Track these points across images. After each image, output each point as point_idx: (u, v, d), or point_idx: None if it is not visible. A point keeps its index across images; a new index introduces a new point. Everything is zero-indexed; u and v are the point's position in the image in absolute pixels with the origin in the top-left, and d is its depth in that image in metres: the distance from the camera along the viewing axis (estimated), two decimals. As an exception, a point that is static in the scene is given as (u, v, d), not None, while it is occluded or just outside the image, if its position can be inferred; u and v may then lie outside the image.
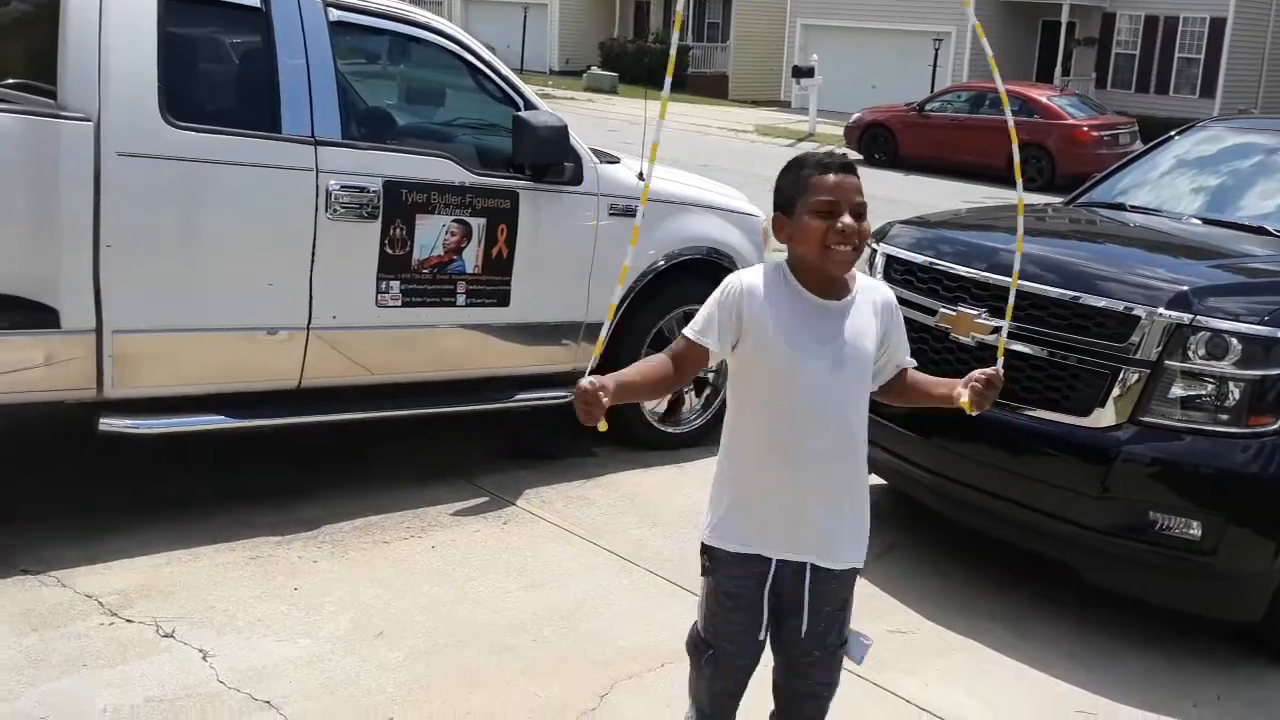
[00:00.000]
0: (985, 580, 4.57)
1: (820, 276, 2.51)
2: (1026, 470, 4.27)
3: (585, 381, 2.34)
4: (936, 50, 28.46)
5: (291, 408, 4.57)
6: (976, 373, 2.65)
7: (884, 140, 21.33)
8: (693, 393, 5.80)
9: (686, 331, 2.55)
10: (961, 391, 2.65)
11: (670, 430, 5.72)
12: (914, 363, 2.75)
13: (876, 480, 4.70)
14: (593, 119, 18.55)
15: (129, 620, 3.59)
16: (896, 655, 3.89)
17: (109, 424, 4.10)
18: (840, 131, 23.03)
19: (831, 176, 2.50)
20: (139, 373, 4.12)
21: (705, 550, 2.63)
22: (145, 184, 4.01)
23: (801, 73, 26.34)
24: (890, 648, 3.90)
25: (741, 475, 2.58)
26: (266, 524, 4.35)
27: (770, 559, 2.54)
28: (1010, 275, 2.95)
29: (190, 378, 4.28)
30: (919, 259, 4.73)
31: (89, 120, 3.90)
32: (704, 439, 5.58)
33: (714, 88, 35.68)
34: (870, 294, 2.59)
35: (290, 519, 4.42)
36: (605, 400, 2.32)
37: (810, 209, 2.47)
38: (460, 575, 4.16)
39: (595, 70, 33.98)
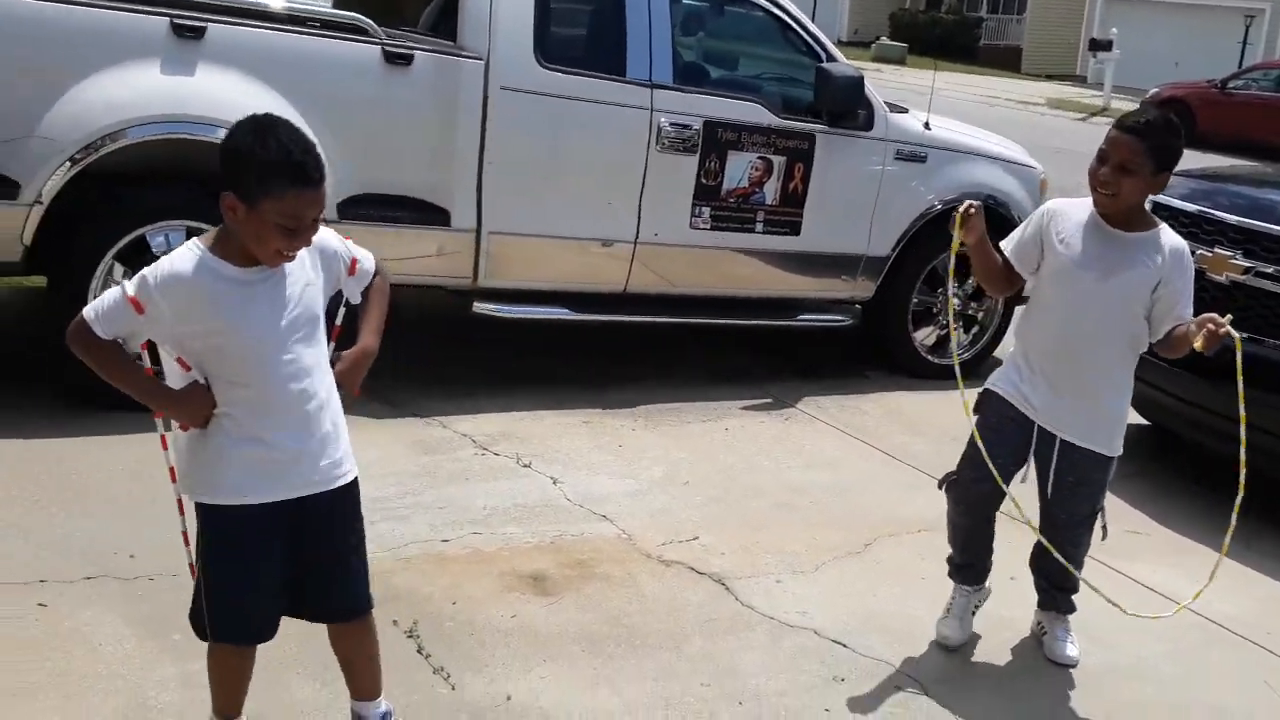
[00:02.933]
0: (1221, 501, 4.98)
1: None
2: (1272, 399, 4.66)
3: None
4: (1247, 27, 26.99)
5: (617, 308, 5.49)
6: (1206, 316, 2.97)
7: (1181, 117, 20.39)
8: (961, 329, 6.37)
9: None
10: (1195, 331, 2.98)
11: (938, 361, 6.31)
12: None
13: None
14: (881, 87, 18.84)
15: (495, 454, 4.60)
16: (1134, 550, 4.41)
17: (481, 308, 5.12)
18: (1136, 107, 22.38)
19: (1111, 131, 3.12)
20: (505, 267, 5.12)
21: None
22: (520, 113, 4.98)
23: (1099, 46, 25.65)
24: (1128, 544, 4.43)
25: None
26: (595, 399, 5.29)
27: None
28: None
29: (543, 275, 5.26)
30: (1185, 206, 5.15)
31: (481, 60, 4.90)
32: (969, 372, 6.15)
33: (1006, 60, 35.04)
34: None
35: (613, 397, 5.35)
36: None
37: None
38: (749, 451, 4.97)
39: (884, 40, 33.97)
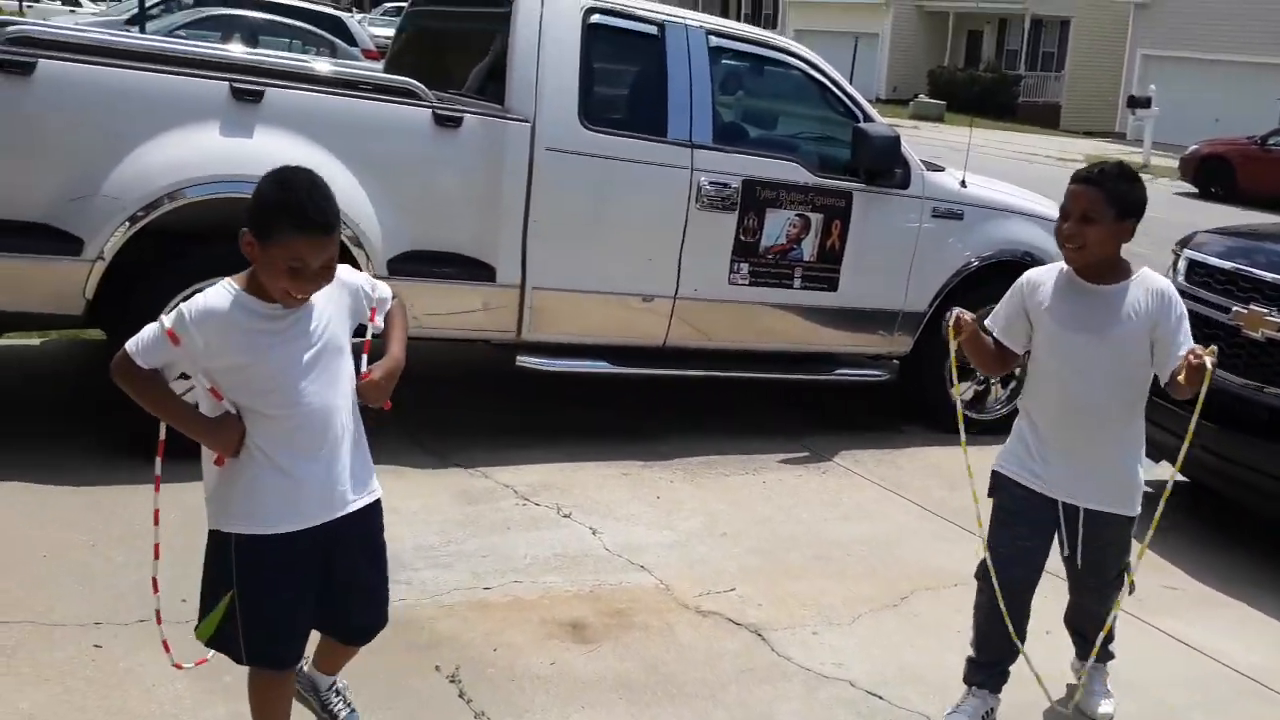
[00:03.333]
0: (1258, 556, 4.99)
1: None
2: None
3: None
4: (1289, 83, 26.96)
5: (656, 362, 5.60)
6: (1189, 349, 2.99)
7: (1222, 173, 20.63)
8: (999, 384, 6.41)
9: None
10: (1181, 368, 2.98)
11: (975, 416, 6.35)
12: None
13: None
14: (917, 144, 18.99)
15: (537, 504, 4.69)
16: (1167, 605, 4.43)
17: (524, 361, 5.24)
18: (1175, 164, 22.39)
19: (1069, 186, 3.16)
20: (548, 322, 5.24)
21: None
22: (564, 174, 5.13)
23: (1137, 103, 25.68)
24: (1162, 600, 4.45)
25: None
26: (634, 451, 5.39)
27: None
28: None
29: (584, 329, 5.37)
30: (1220, 264, 5.20)
31: (527, 122, 5.06)
32: (1007, 426, 6.18)
33: (1045, 117, 35.15)
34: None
35: (651, 450, 5.44)
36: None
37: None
38: (787, 504, 5.03)
39: (922, 98, 34.22)
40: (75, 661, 3.21)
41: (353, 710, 3.04)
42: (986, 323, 3.37)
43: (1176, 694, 3.82)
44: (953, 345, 3.23)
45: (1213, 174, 20.85)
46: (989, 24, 39.58)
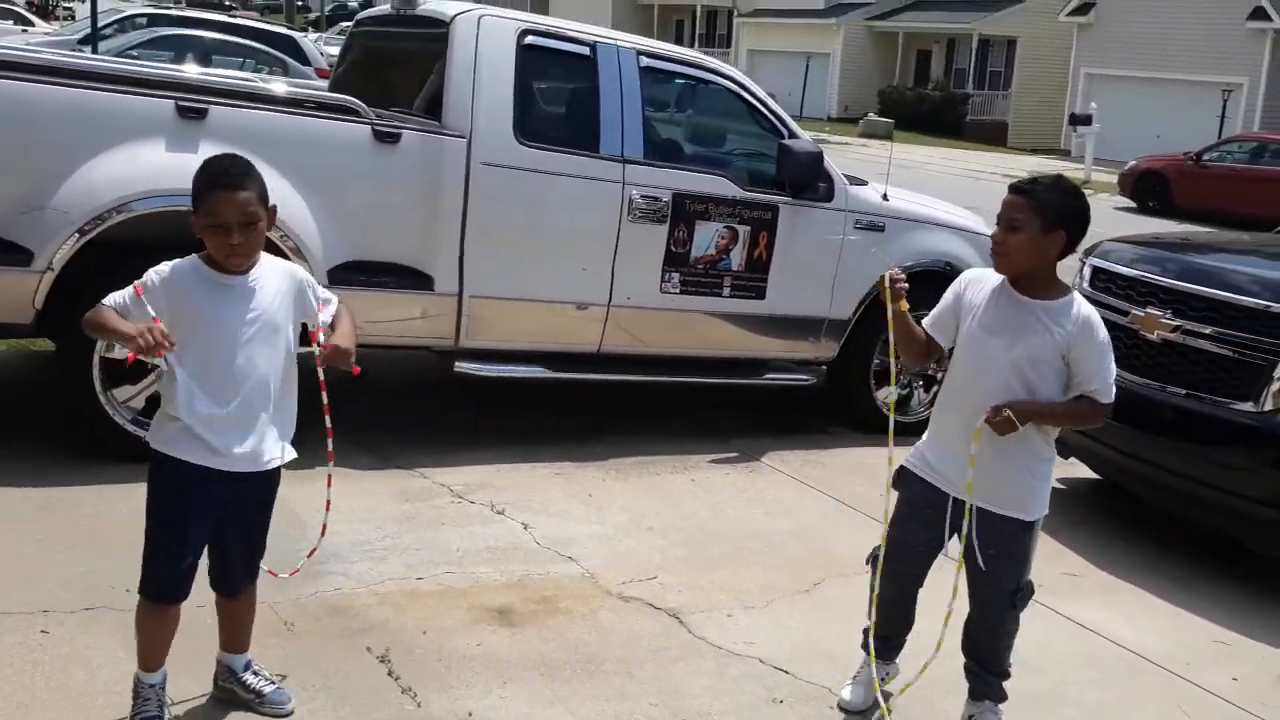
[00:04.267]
0: (1159, 547, 5.30)
1: None
2: (1203, 450, 4.99)
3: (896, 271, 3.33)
4: (1225, 101, 27.71)
5: (592, 367, 5.83)
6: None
7: (1159, 189, 21.21)
8: (922, 388, 6.70)
9: None
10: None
11: (898, 418, 6.60)
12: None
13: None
14: (865, 163, 19.49)
15: (472, 502, 4.90)
16: (1069, 591, 4.71)
17: (462, 367, 5.44)
18: (1115, 179, 22.97)
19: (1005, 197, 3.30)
20: (485, 329, 5.46)
21: None
22: (500, 187, 5.37)
23: (1079, 120, 26.32)
24: (1063, 586, 4.73)
25: None
26: (568, 452, 5.62)
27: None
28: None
29: (520, 336, 5.60)
30: (1121, 270, 5.51)
31: (464, 138, 5.29)
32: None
33: (992, 135, 35.80)
34: None
35: (586, 451, 5.67)
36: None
37: None
38: (713, 500, 5.28)
39: (871, 116, 34.77)
40: (23, 646, 3.39)
41: (277, 686, 3.25)
42: (925, 321, 3.44)
43: (1073, 672, 4.09)
44: (890, 308, 3.28)
45: (1150, 189, 21.43)
46: (938, 44, 40.28)
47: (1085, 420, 3.38)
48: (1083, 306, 3.28)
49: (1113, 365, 3.29)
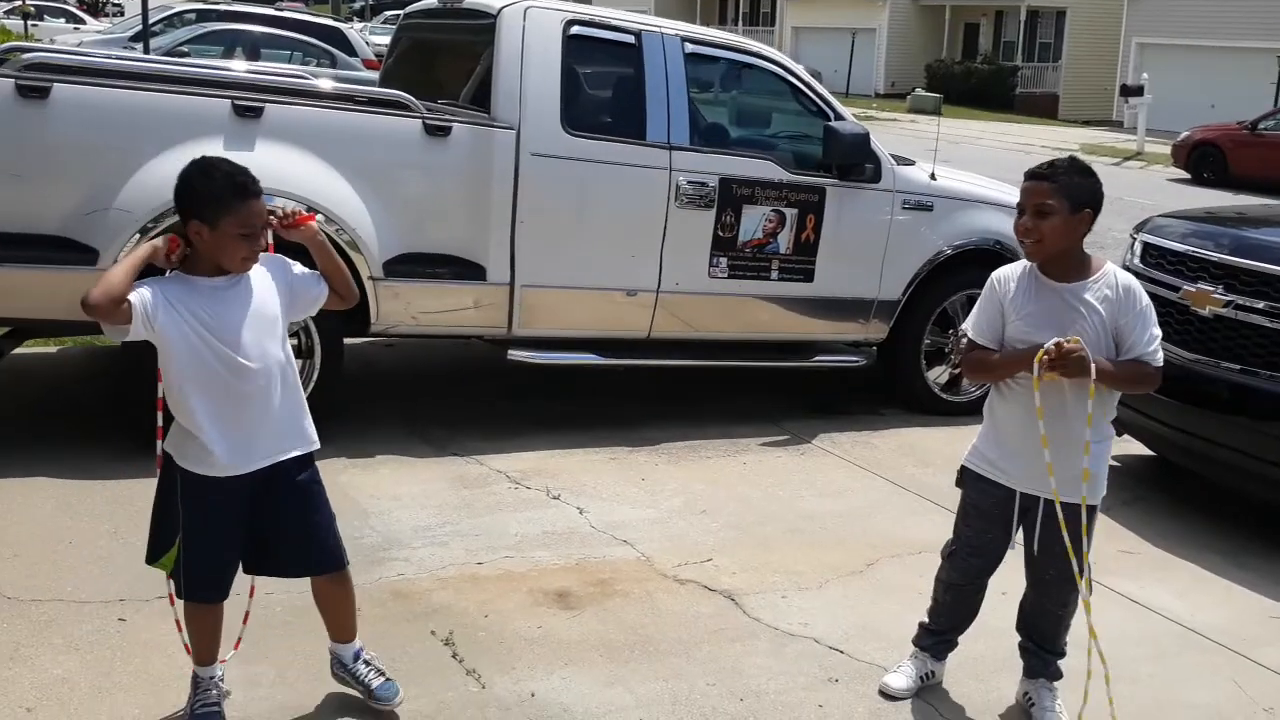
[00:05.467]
0: (1213, 523, 5.28)
1: None
2: (1256, 425, 4.96)
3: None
4: (1280, 67, 27.17)
5: (642, 352, 5.90)
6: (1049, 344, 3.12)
7: (1213, 159, 20.86)
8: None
9: None
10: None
11: (950, 398, 6.64)
12: None
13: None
14: (913, 139, 19.39)
15: (528, 487, 5.00)
16: (1123, 568, 4.71)
17: (515, 355, 5.54)
18: (1168, 150, 22.63)
19: (1023, 183, 3.28)
20: (537, 317, 5.55)
21: None
22: (549, 177, 5.44)
23: (1130, 91, 25.95)
24: (1118, 563, 4.74)
25: None
26: (621, 437, 5.70)
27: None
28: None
29: (572, 323, 5.68)
30: (1172, 246, 5.48)
31: (512, 129, 5.37)
32: (979, 408, 6.47)
33: (1043, 107, 35.36)
34: None
35: (638, 436, 5.74)
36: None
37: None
38: (765, 483, 5.33)
39: (919, 92, 34.45)
40: (101, 633, 3.53)
41: (387, 679, 3.26)
42: (971, 334, 3.39)
43: (1126, 649, 4.08)
44: (1038, 379, 3.15)
45: (1204, 160, 21.07)
46: (985, 16, 39.79)
47: (1141, 382, 3.31)
48: (1119, 275, 3.29)
49: (1158, 328, 3.29)
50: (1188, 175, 21.38)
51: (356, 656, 3.28)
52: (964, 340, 3.43)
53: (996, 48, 39.16)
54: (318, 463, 3.15)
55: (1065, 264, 3.28)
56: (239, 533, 3.02)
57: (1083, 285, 3.26)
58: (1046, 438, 3.19)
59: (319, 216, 3.05)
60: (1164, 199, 16.33)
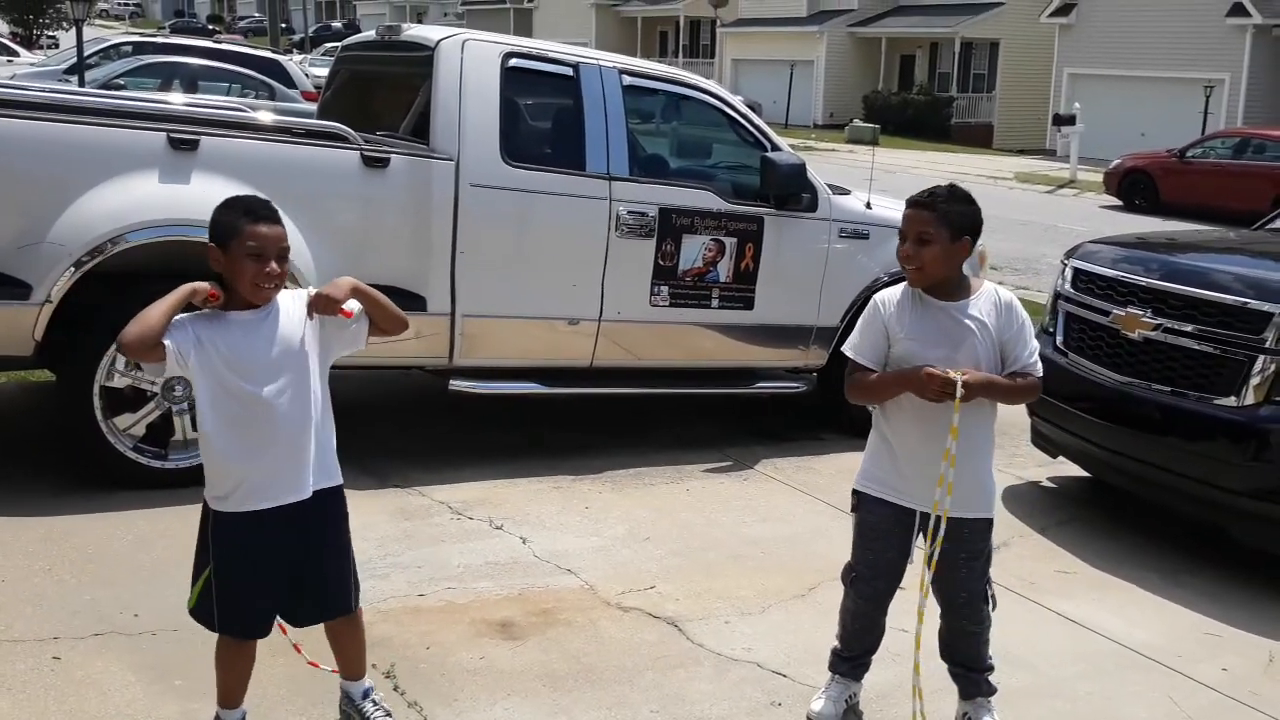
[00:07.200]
0: (1147, 542, 5.39)
1: None
2: (1186, 445, 5.08)
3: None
4: (1207, 97, 27.90)
5: (585, 381, 5.92)
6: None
7: (1144, 186, 21.37)
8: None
9: None
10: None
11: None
12: None
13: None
14: (851, 169, 19.65)
15: (470, 518, 4.98)
16: (1060, 587, 4.79)
17: (456, 385, 5.53)
18: (1100, 178, 23.14)
19: (904, 211, 3.36)
20: (478, 347, 5.54)
21: None
22: (489, 207, 5.45)
23: (1062, 120, 26.53)
24: (1055, 583, 4.81)
25: None
26: (564, 466, 5.70)
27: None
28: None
29: (514, 353, 5.69)
30: (1102, 271, 5.60)
31: (451, 160, 5.38)
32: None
33: (979, 137, 36.04)
34: None
35: (582, 464, 5.75)
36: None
37: None
38: (708, 509, 5.36)
39: (857, 123, 34.95)
40: (35, 672, 3.46)
41: (388, 714, 3.27)
42: (853, 355, 3.44)
43: (1064, 668, 4.16)
44: (957, 411, 3.20)
45: (1136, 187, 21.59)
46: (921, 48, 40.50)
47: (1026, 393, 3.42)
48: (1000, 292, 3.39)
49: (1035, 341, 3.40)
50: (1120, 202, 21.87)
51: (366, 695, 3.28)
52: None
53: (932, 79, 39.86)
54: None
55: (948, 286, 3.35)
56: (269, 570, 2.98)
57: (968, 303, 3.33)
58: (944, 477, 3.25)
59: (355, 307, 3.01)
60: (1097, 225, 16.68)
